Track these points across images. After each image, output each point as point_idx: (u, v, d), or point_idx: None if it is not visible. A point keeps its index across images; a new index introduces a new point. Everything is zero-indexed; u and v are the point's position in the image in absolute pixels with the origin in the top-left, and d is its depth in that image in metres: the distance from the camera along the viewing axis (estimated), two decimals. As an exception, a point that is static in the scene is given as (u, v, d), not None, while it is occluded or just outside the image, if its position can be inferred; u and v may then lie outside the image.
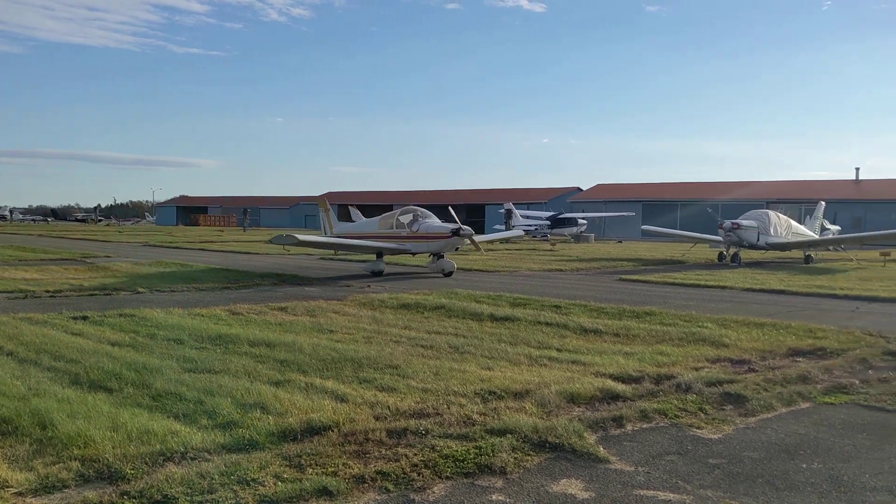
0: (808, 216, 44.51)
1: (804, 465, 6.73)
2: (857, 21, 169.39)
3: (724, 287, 23.41)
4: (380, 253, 27.26)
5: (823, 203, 44.80)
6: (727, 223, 34.71)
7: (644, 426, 7.97)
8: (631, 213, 75.84)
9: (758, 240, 34.59)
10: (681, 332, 13.79)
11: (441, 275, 26.28)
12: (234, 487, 5.83)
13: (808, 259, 35.59)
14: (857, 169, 77.49)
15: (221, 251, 42.49)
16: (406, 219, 27.63)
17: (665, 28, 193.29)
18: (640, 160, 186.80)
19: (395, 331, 13.63)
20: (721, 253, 35.93)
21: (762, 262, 35.84)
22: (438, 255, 27.13)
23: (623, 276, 27.53)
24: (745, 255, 36.56)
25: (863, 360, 11.44)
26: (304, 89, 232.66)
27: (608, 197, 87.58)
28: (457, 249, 28.62)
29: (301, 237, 26.39)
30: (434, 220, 27.23)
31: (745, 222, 34.79)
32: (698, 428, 7.92)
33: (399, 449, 6.77)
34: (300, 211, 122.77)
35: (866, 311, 18.04)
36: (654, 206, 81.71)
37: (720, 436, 7.67)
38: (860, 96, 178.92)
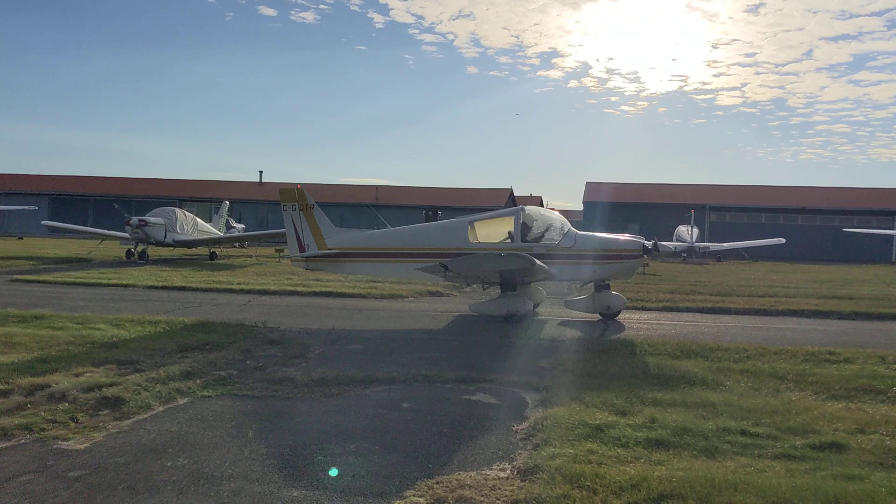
0: (216, 214, 46.59)
1: (169, 464, 6.74)
2: (256, 34, 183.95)
3: (126, 285, 22.83)
4: (511, 283, 16.96)
5: (228, 202, 47.46)
6: (134, 220, 34.15)
7: (2, 446, 7.08)
8: (34, 207, 69.26)
9: (165, 237, 34.83)
10: (70, 335, 12.89)
11: (598, 316, 17.68)
12: None
13: (212, 256, 37.16)
14: (261, 172, 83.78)
15: None
16: (535, 224, 17.58)
17: (67, 21, 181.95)
18: (50, 151, 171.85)
19: None
20: (129, 250, 35.11)
21: (170, 259, 36.16)
22: (602, 286, 17.70)
23: (17, 277, 24.80)
24: (154, 252, 36.44)
25: (245, 351, 12.20)
26: None
27: (8, 189, 78.48)
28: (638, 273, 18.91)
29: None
30: (568, 230, 17.48)
31: (152, 219, 34.69)
32: (65, 440, 7.36)
33: None
34: None
35: (258, 303, 19.48)
36: (63, 200, 76.19)
37: (88, 445, 7.24)
38: (261, 105, 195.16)
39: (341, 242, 18.25)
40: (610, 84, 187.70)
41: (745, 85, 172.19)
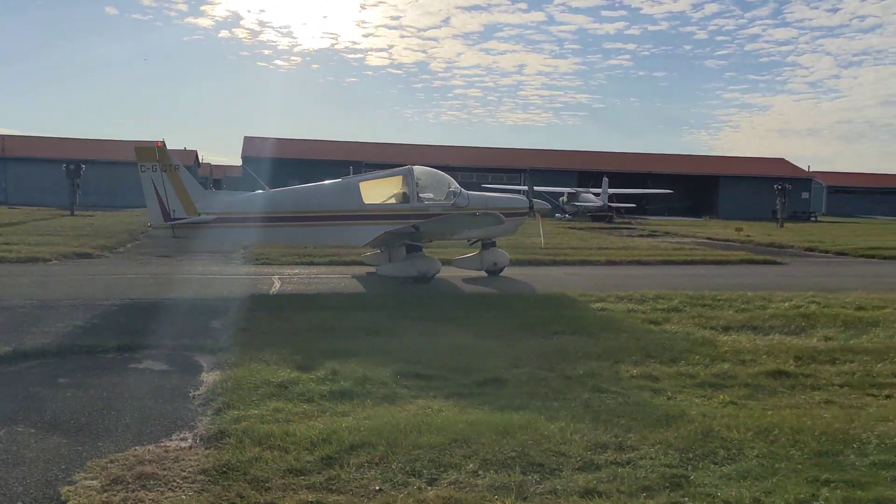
0: None
1: None
2: None
3: None
4: (417, 245, 16.57)
5: None
6: None
7: None
8: None
9: None
10: None
11: (485, 273, 18.09)
12: None
13: None
14: None
15: None
16: (428, 184, 17.51)
17: None
18: None
19: None
20: None
21: None
22: (488, 244, 17.96)
23: None
24: None
25: None
26: None
27: None
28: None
29: None
30: (458, 188, 17.39)
31: None
32: None
33: None
34: None
35: None
36: None
37: None
38: None
39: (218, 206, 16.16)
40: (263, 37, 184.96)
41: (391, 47, 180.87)
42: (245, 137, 72.25)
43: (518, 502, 5.01)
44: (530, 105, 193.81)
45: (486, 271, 18.14)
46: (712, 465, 5.69)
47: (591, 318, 11.96)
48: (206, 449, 6.05)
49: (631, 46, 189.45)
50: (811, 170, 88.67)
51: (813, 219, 69.96)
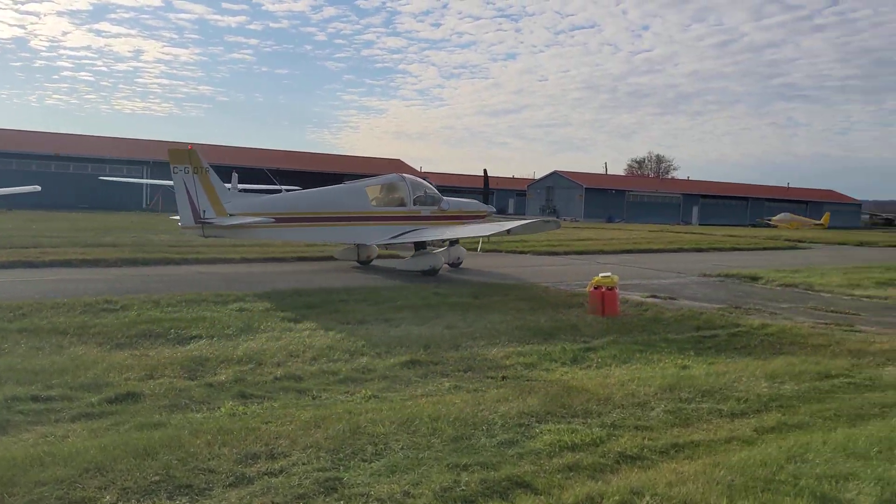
0: None
1: None
2: None
3: None
4: (423, 244, 19.15)
5: None
6: None
7: None
8: None
9: None
10: None
11: (448, 266, 20.29)
12: None
13: None
14: None
15: None
16: (418, 189, 19.92)
17: None
18: None
19: None
20: None
21: None
22: (454, 242, 20.45)
23: None
24: None
25: None
26: None
27: None
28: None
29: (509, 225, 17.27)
30: (439, 194, 20.58)
31: None
32: None
33: None
34: None
35: None
36: None
37: None
38: None
39: (249, 207, 17.40)
40: None
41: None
42: None
43: (166, 531, 4.60)
44: (150, 94, 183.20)
45: (450, 265, 20.40)
46: (363, 463, 5.81)
47: (229, 320, 11.57)
48: None
49: (253, 41, 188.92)
50: (423, 170, 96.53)
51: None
